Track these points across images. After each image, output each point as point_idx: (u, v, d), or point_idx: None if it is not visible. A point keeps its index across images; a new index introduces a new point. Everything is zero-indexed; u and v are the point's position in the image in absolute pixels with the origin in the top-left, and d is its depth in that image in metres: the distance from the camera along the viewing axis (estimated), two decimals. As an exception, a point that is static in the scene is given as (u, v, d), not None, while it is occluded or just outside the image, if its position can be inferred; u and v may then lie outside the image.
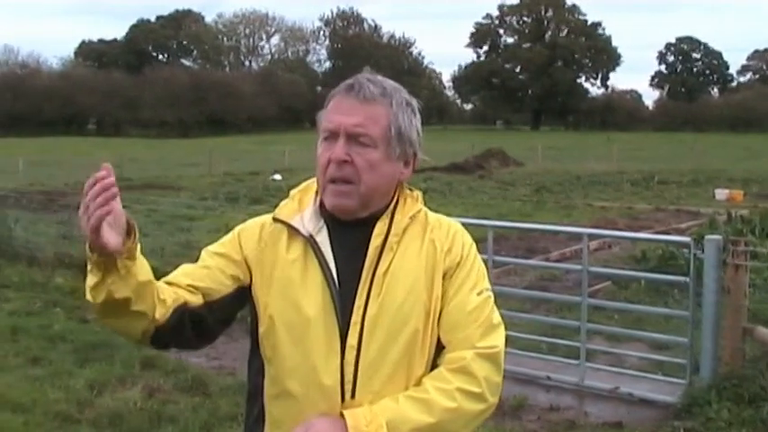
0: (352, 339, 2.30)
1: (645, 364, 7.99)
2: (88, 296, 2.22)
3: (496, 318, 2.39)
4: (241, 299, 2.46)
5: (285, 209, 2.46)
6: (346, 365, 2.29)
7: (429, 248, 2.38)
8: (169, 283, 2.41)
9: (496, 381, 2.33)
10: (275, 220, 2.46)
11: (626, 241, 14.41)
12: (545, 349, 8.21)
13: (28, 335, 9.13)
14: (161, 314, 2.30)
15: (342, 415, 2.22)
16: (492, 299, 2.42)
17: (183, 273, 2.45)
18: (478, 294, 2.37)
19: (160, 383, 7.50)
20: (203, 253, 2.53)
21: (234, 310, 2.48)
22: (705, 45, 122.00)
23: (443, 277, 2.37)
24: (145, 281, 2.23)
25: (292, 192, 2.52)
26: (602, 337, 8.72)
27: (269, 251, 2.43)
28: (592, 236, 9.41)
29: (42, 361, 8.30)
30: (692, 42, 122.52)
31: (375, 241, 2.35)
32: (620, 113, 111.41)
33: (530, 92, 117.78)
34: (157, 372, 7.88)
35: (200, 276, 2.42)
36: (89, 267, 2.18)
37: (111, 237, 2.11)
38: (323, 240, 2.38)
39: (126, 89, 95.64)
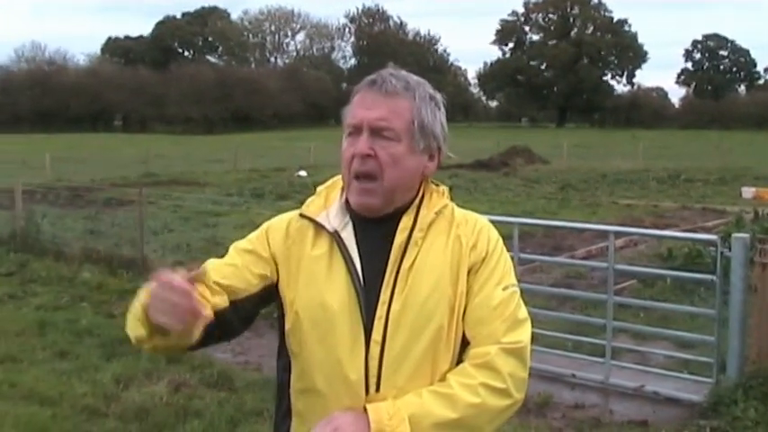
0: (376, 335, 2.30)
1: (671, 363, 7.95)
2: (128, 325, 2.27)
3: (522, 313, 2.38)
4: (266, 297, 2.46)
5: (312, 205, 2.47)
6: (371, 360, 2.29)
7: (455, 244, 2.37)
8: None
9: (522, 376, 2.31)
10: (302, 216, 2.46)
11: (652, 239, 14.33)
12: (570, 347, 8.19)
13: (55, 329, 9.21)
14: (194, 336, 2.27)
15: (365, 409, 2.23)
16: (518, 294, 2.40)
17: (212, 270, 2.41)
18: (504, 289, 2.36)
19: (186, 378, 7.53)
20: (231, 249, 2.52)
21: (258, 308, 2.48)
22: (732, 42, 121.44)
23: (468, 273, 2.36)
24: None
25: (319, 188, 2.53)
26: (628, 335, 8.69)
27: (296, 248, 2.43)
28: (618, 233, 9.37)
29: (69, 355, 8.37)
30: (719, 39, 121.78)
31: (400, 236, 2.35)
32: (645, 111, 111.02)
33: (555, 89, 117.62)
34: (183, 367, 7.92)
35: (227, 274, 2.41)
36: (137, 310, 2.21)
37: (171, 322, 2.09)
38: (348, 236, 2.38)
39: (152, 86, 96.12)
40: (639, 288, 10.90)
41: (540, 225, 12.90)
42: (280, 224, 2.51)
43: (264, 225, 2.54)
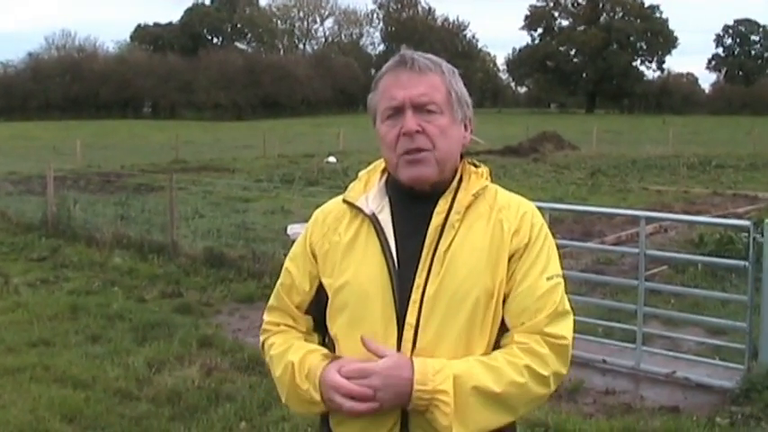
0: (410, 317, 2.29)
1: (702, 349, 7.93)
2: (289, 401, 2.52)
3: (565, 305, 2.36)
4: (324, 296, 2.50)
5: (353, 191, 2.49)
6: (404, 344, 2.29)
7: (496, 228, 2.35)
8: (280, 310, 2.58)
9: (562, 372, 2.32)
10: (344, 201, 2.48)
11: (683, 225, 14.28)
12: (601, 333, 8.16)
13: (87, 313, 9.28)
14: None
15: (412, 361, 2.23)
16: (562, 285, 2.38)
17: (287, 295, 2.55)
18: (548, 279, 2.34)
19: (217, 362, 7.58)
20: (286, 260, 2.61)
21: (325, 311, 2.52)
22: (764, 27, 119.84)
23: (510, 259, 2.34)
24: None
25: (361, 173, 2.54)
26: (659, 321, 8.65)
27: (331, 234, 2.45)
28: (649, 219, 9.30)
29: (101, 339, 8.44)
30: (751, 25, 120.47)
31: (436, 219, 2.34)
32: (675, 97, 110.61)
33: (584, 75, 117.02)
34: (215, 351, 7.98)
35: (290, 294, 2.54)
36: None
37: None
38: (385, 219, 2.39)
39: (181, 72, 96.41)
40: (671, 274, 10.85)
41: (569, 210, 12.86)
42: (319, 215, 2.55)
43: (305, 233, 2.58)
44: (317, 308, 2.49)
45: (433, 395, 2.17)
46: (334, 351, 2.44)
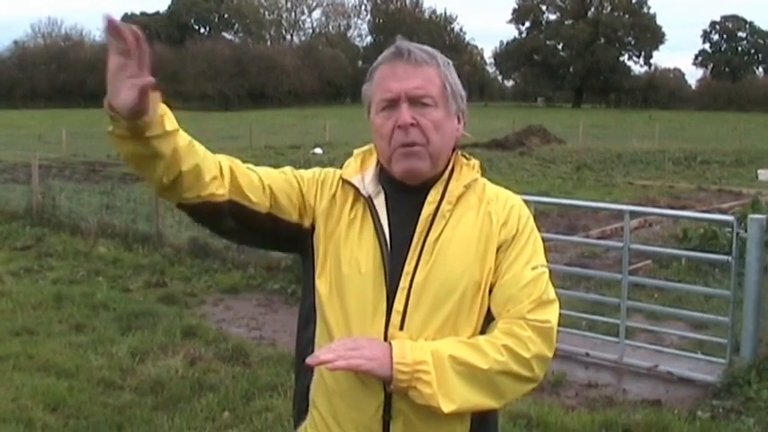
0: (398, 304, 2.30)
1: (685, 343, 7.96)
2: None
3: (551, 294, 2.37)
4: (275, 227, 2.44)
5: (348, 168, 2.49)
6: (391, 329, 2.29)
7: (485, 220, 2.38)
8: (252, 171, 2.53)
9: (546, 355, 2.31)
10: (341, 179, 2.47)
11: (667, 220, 14.33)
12: (584, 326, 8.20)
13: (71, 302, 9.27)
14: (214, 187, 2.45)
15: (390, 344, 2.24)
16: (547, 275, 2.39)
17: (268, 176, 2.48)
18: (533, 269, 2.35)
19: (201, 352, 7.59)
20: (289, 171, 2.53)
21: (263, 226, 2.44)
22: (751, 24, 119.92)
23: (498, 250, 2.36)
24: (171, 151, 2.33)
25: (356, 151, 2.54)
26: (642, 314, 8.70)
27: (337, 208, 2.45)
28: (633, 213, 9.34)
29: (85, 328, 8.43)
30: (738, 21, 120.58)
31: (427, 209, 2.36)
32: (662, 92, 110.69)
33: (571, 69, 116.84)
34: (198, 341, 7.98)
35: (279, 187, 2.44)
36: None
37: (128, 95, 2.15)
38: (380, 204, 2.40)
39: (168, 62, 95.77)
40: (654, 268, 10.91)
41: (555, 204, 12.88)
42: (332, 181, 2.50)
43: (322, 173, 2.53)
44: (284, 226, 2.45)
45: (413, 367, 2.17)
46: (314, 324, 2.43)
